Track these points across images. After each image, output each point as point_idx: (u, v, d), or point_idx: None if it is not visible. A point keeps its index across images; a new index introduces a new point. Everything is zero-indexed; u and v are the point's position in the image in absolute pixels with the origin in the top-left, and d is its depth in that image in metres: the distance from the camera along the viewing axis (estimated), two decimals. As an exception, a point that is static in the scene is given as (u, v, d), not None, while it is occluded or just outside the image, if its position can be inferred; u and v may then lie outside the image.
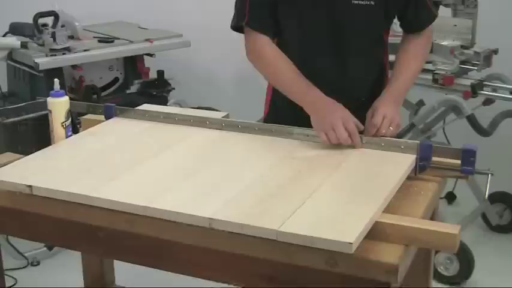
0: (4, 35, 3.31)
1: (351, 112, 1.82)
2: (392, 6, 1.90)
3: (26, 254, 3.08)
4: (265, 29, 1.93)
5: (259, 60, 1.94)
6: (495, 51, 2.98)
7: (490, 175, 1.81)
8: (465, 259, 2.92)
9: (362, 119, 1.84)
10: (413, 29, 1.98)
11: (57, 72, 3.02)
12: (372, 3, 1.84)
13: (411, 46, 1.97)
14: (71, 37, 3.24)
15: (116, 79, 3.45)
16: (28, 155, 1.79)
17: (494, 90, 2.98)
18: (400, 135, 2.98)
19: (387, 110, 1.82)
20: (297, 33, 1.93)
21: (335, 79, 1.93)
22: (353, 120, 1.78)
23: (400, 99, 1.92)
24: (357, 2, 1.84)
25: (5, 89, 3.35)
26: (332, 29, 1.89)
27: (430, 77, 2.93)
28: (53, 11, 3.09)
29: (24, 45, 3.13)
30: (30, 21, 3.08)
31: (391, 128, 1.80)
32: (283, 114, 2.01)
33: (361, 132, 1.80)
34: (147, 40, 3.41)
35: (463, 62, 2.93)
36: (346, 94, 1.90)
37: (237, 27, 1.97)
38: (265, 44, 1.93)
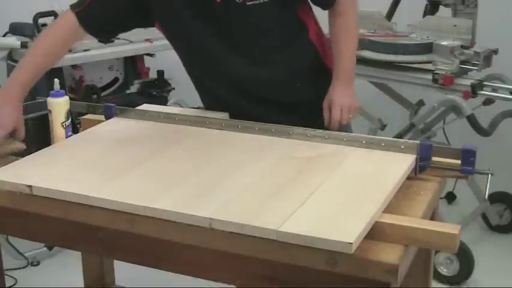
0: (4, 35, 3.31)
1: (301, 117, 1.89)
2: None
3: (26, 254, 3.08)
4: (93, 29, 1.96)
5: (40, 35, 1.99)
6: (495, 51, 2.98)
7: (490, 175, 1.81)
8: (465, 259, 2.92)
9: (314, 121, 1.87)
10: (326, 5, 1.94)
11: (57, 72, 3.01)
12: (266, 0, 1.80)
13: (336, 30, 1.94)
14: (71, 37, 3.23)
15: (116, 79, 3.46)
16: (28, 155, 1.79)
17: (494, 90, 2.98)
18: (400, 135, 3.00)
19: (342, 99, 1.86)
20: (184, 43, 1.94)
21: (254, 83, 1.92)
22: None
23: (349, 80, 1.93)
24: (250, 3, 1.79)
25: (5, 89, 3.35)
26: (231, 33, 1.85)
27: (430, 77, 2.93)
28: (53, 11, 3.09)
29: (24, 45, 3.12)
30: (30, 21, 3.09)
31: (350, 115, 1.86)
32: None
33: (322, 127, 1.86)
34: (147, 40, 3.41)
35: (463, 62, 2.93)
36: (279, 96, 1.93)
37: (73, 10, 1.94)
38: (61, 22, 1.95)
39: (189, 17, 1.86)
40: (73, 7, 1.94)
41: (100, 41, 1.96)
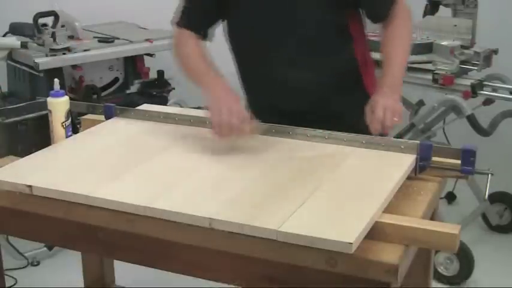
0: (4, 35, 3.31)
1: (323, 114, 1.85)
2: None
3: (26, 254, 3.08)
4: (193, 27, 1.96)
5: (181, 54, 1.98)
6: (495, 51, 2.98)
7: (490, 175, 1.81)
8: (465, 259, 2.92)
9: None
10: (377, 18, 1.93)
11: (57, 72, 3.01)
12: None
13: (388, 32, 1.91)
14: (71, 37, 3.24)
15: (116, 79, 3.45)
16: (28, 155, 1.79)
17: (494, 90, 2.98)
18: (400, 135, 3.00)
19: (387, 101, 1.77)
20: (243, 30, 1.93)
21: (294, 81, 1.90)
22: (239, 114, 1.73)
23: (397, 87, 1.87)
24: None
25: (5, 89, 3.35)
26: (280, 24, 1.85)
27: (430, 77, 2.94)
28: (53, 11, 3.09)
29: (24, 45, 3.12)
30: (30, 21, 3.08)
31: (395, 118, 1.76)
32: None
33: (363, 131, 1.79)
34: (147, 40, 3.41)
35: (463, 62, 2.93)
36: (311, 90, 1.90)
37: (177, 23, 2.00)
38: (188, 38, 1.96)
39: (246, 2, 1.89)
40: (175, 22, 2.01)
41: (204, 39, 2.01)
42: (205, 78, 1.87)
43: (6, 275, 2.40)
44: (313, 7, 1.85)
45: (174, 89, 3.54)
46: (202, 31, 1.98)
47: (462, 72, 2.95)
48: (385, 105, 1.76)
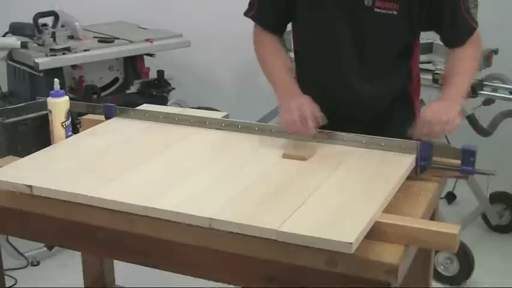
0: (4, 35, 3.31)
1: (369, 122, 1.88)
2: (415, 17, 1.84)
3: (26, 254, 3.08)
4: (269, 26, 1.96)
5: (258, 54, 1.98)
6: (495, 51, 2.98)
7: (490, 175, 1.81)
8: (465, 259, 2.92)
9: (380, 130, 1.84)
10: (452, 45, 1.92)
11: (57, 72, 3.01)
12: (395, 13, 1.80)
13: (458, 62, 1.88)
14: (71, 37, 3.24)
15: (116, 79, 3.45)
16: (28, 155, 1.79)
17: (494, 90, 2.97)
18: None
19: (433, 114, 1.70)
20: (316, 41, 1.92)
21: (357, 87, 1.90)
22: (313, 110, 1.76)
23: (456, 101, 1.79)
24: (378, 10, 1.80)
25: (5, 89, 3.35)
26: (353, 36, 1.85)
27: (430, 77, 2.93)
28: (53, 11, 3.09)
29: (24, 45, 3.12)
30: (30, 21, 3.08)
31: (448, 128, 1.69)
32: None
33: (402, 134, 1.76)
34: (147, 40, 3.40)
35: (463, 62, 2.93)
36: (368, 102, 1.91)
37: (247, 16, 2.00)
38: (266, 39, 1.96)
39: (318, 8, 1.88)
40: (247, 13, 1.99)
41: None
42: (278, 80, 1.90)
43: (6, 275, 2.40)
44: (389, 16, 1.82)
45: (174, 89, 3.54)
46: (278, 29, 1.98)
47: (462, 72, 2.94)
48: (432, 118, 1.69)
